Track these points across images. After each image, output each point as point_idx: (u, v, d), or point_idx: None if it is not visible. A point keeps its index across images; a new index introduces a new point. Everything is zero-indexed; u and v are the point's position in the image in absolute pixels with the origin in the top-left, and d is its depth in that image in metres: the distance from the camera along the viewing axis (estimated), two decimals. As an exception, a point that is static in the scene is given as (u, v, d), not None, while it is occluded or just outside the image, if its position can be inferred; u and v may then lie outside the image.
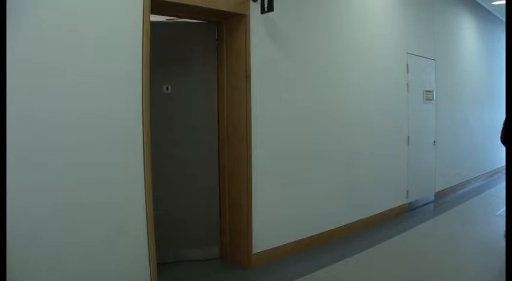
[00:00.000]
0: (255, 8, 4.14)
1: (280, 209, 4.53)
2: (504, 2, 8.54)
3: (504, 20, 10.24)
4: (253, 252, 4.25)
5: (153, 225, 3.37)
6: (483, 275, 4.02)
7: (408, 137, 6.38)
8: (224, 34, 4.31)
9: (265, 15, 4.18)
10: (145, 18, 3.26)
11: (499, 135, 4.51)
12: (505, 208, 6.15)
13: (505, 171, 9.35)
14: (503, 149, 4.24)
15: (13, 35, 2.60)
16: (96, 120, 3.04)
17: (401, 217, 6.18)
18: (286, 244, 4.56)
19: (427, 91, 6.86)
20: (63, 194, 2.89)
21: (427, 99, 6.87)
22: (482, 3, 9.19)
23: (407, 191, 6.42)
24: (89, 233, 3.02)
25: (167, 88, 4.16)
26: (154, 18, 3.62)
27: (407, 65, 6.28)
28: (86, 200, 3.01)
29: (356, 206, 5.41)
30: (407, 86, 6.35)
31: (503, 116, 4.53)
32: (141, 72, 3.26)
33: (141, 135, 3.28)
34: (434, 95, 7.05)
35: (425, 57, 6.83)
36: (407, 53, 6.35)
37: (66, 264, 2.91)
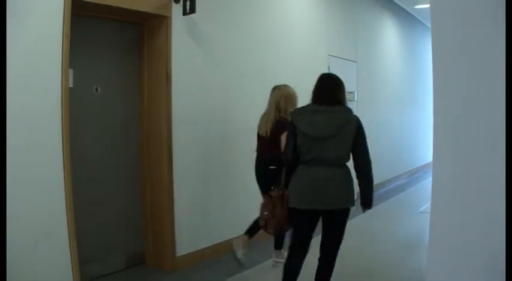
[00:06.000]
0: (177, 10, 4.31)
1: (205, 210, 4.71)
2: (426, 6, 9.15)
3: (426, 23, 10.92)
4: (177, 255, 4.38)
5: (74, 232, 3.38)
6: (404, 270, 4.37)
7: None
8: (145, 35, 4.43)
9: (187, 17, 4.36)
10: (65, 19, 3.32)
11: None
12: (427, 204, 6.63)
13: (426, 169, 10.00)
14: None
15: None
16: (15, 122, 3.05)
17: (323, 216, 6.42)
18: (212, 246, 4.73)
19: (348, 92, 7.20)
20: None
21: (348, 101, 7.21)
22: (405, 7, 9.81)
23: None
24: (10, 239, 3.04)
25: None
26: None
27: (328, 67, 6.66)
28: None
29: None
30: (329, 87, 6.67)
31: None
32: (61, 75, 3.30)
33: (61, 137, 3.32)
34: (356, 96, 7.53)
35: (346, 59, 7.30)
36: (329, 55, 6.76)
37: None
